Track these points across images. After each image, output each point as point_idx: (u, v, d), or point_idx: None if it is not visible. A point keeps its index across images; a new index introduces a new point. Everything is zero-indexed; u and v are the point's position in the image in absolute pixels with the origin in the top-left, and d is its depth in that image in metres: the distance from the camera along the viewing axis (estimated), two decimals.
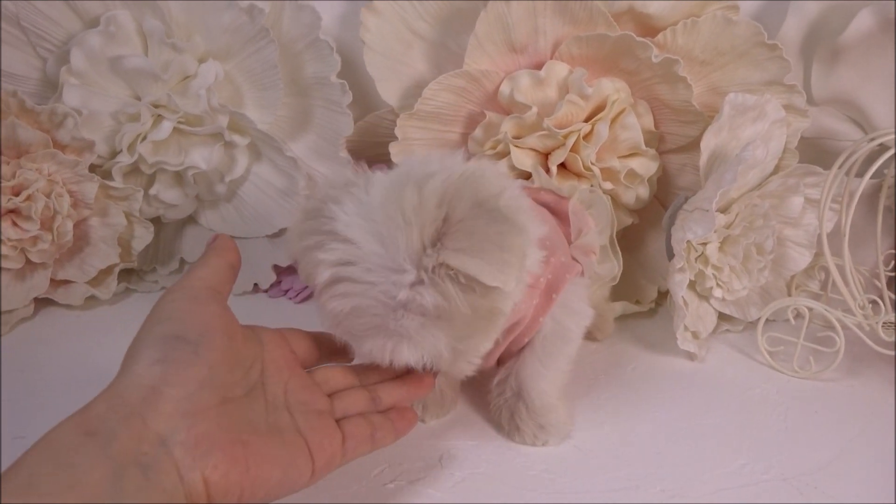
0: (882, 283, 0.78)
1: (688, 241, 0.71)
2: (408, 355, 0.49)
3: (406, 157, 0.56)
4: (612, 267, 0.74)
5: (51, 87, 0.79)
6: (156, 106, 0.76)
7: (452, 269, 0.47)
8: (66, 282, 0.77)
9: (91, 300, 0.78)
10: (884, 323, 0.69)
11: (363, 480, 0.55)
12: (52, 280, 0.76)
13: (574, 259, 0.61)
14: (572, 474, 0.57)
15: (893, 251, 0.81)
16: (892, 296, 0.78)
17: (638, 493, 0.55)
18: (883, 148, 0.77)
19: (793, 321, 0.74)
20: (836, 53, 0.79)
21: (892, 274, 0.79)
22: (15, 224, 0.72)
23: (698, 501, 0.54)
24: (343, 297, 0.49)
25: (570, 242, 0.62)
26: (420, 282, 0.47)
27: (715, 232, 0.73)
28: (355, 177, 0.52)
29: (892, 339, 0.68)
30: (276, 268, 0.83)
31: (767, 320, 0.77)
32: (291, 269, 0.84)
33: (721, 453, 0.60)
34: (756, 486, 0.57)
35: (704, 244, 0.74)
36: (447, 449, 0.59)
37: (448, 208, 0.48)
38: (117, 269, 0.79)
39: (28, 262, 0.74)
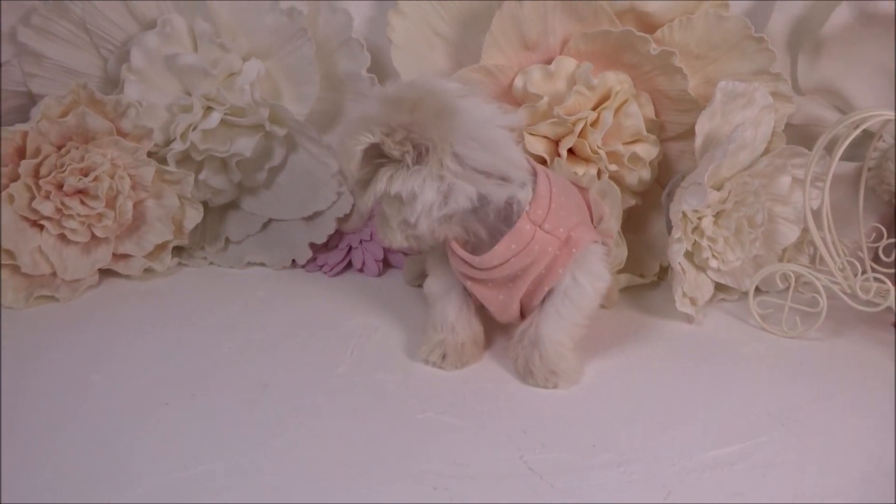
0: (864, 252, 0.85)
1: (683, 212, 0.79)
2: None
3: None
4: (623, 251, 0.82)
5: (111, 83, 0.88)
6: (206, 99, 0.85)
7: None
8: (126, 255, 0.85)
9: (148, 272, 0.87)
10: (862, 285, 0.76)
11: (398, 412, 0.63)
12: (113, 254, 0.85)
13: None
14: (581, 409, 0.64)
15: (877, 226, 0.88)
16: (876, 266, 0.86)
17: (637, 423, 0.63)
18: (865, 132, 0.85)
19: (780, 285, 0.81)
20: (819, 46, 0.86)
21: (874, 245, 0.87)
22: (83, 203, 0.81)
23: (691, 428, 0.62)
24: None
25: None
26: None
27: (709, 206, 0.81)
28: None
29: (870, 296, 0.75)
30: (312, 245, 0.91)
31: (761, 290, 0.84)
32: (325, 247, 0.92)
33: (712, 393, 0.68)
34: (742, 418, 0.64)
35: (700, 217, 0.82)
36: (470, 389, 0.67)
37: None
38: (171, 246, 0.88)
39: (93, 236, 0.83)
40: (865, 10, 0.82)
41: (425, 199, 0.63)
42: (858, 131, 0.76)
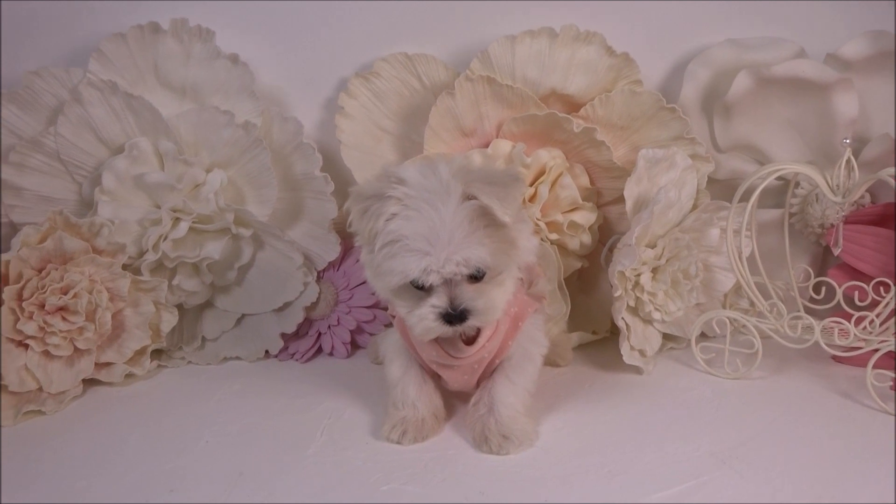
0: (795, 292, 0.91)
1: (619, 272, 0.85)
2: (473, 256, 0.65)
3: None
4: (561, 307, 0.89)
5: (86, 205, 0.95)
6: (174, 211, 0.92)
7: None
8: (108, 363, 0.91)
9: (129, 377, 0.92)
10: (789, 323, 0.82)
11: (364, 486, 0.67)
12: (95, 363, 0.90)
13: None
14: (536, 467, 0.69)
15: (806, 267, 0.95)
16: (809, 304, 0.92)
17: (588, 475, 0.67)
18: (785, 181, 0.93)
19: (717, 330, 0.87)
20: (728, 109, 0.95)
21: (805, 284, 0.93)
22: (64, 318, 0.87)
23: (638, 475, 0.67)
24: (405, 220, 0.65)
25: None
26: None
27: (644, 263, 0.88)
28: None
29: (798, 333, 0.81)
30: (283, 335, 0.97)
31: (707, 336, 0.90)
32: (296, 335, 0.98)
33: (659, 440, 0.72)
34: (688, 461, 0.69)
35: (638, 275, 0.88)
36: (432, 458, 0.71)
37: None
38: (150, 350, 0.93)
39: (76, 349, 0.88)
40: (762, 74, 0.91)
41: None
42: (768, 182, 0.83)
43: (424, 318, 0.66)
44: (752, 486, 0.65)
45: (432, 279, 0.65)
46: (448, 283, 0.66)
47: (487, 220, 0.65)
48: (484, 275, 0.67)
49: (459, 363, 0.73)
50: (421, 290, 0.67)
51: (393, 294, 0.68)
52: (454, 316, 0.66)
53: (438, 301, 0.66)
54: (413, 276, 0.65)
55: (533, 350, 0.75)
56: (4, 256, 0.85)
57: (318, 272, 0.98)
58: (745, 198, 0.84)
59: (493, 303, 0.67)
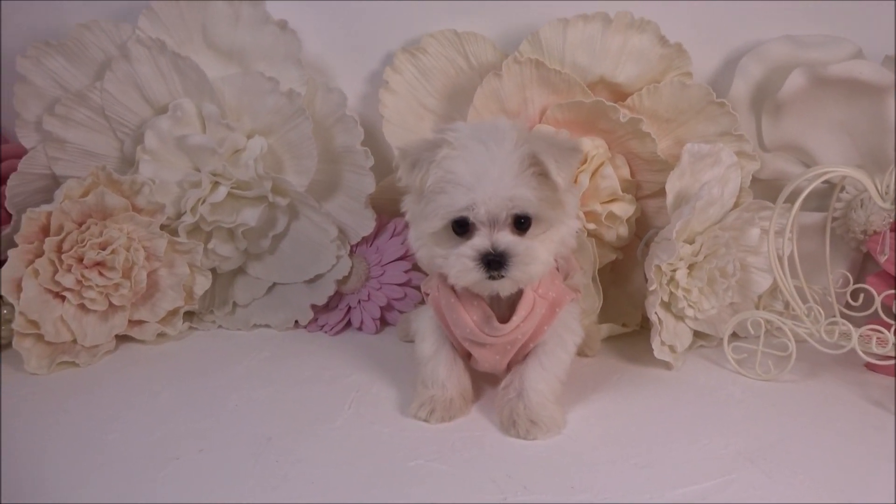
0: (832, 297, 0.90)
1: (656, 266, 0.84)
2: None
3: None
4: (594, 301, 0.88)
5: (127, 163, 0.96)
6: (214, 175, 0.93)
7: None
8: (141, 321, 0.92)
9: (161, 336, 0.93)
10: (826, 328, 0.81)
11: (389, 462, 0.67)
12: (129, 320, 0.91)
13: None
14: (563, 453, 0.69)
15: (845, 273, 0.93)
16: (845, 311, 0.90)
17: (615, 465, 0.67)
18: (830, 184, 0.91)
19: (751, 331, 0.86)
20: (780, 107, 0.93)
21: (843, 290, 0.91)
22: (101, 274, 0.88)
23: (665, 468, 0.66)
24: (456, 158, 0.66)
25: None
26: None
27: (681, 259, 0.87)
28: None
29: (835, 339, 0.80)
30: (313, 307, 0.97)
31: (738, 336, 0.89)
32: (326, 307, 0.98)
33: (687, 436, 0.72)
34: (716, 459, 0.68)
35: (674, 270, 0.87)
36: (459, 437, 0.71)
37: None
38: (182, 311, 0.94)
39: (111, 305, 0.89)
40: (818, 74, 0.89)
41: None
42: (815, 184, 0.81)
43: (463, 256, 0.66)
44: (781, 487, 0.64)
45: (477, 214, 0.65)
46: (491, 227, 0.66)
47: (539, 169, 0.67)
48: (529, 226, 0.67)
49: (493, 341, 0.72)
50: (462, 236, 0.67)
51: (433, 240, 0.69)
52: (493, 260, 0.66)
53: (479, 242, 0.66)
54: (459, 205, 0.65)
55: (567, 338, 0.75)
56: (46, 208, 0.85)
57: (352, 246, 0.98)
58: (790, 199, 0.83)
59: (535, 253, 0.67)
